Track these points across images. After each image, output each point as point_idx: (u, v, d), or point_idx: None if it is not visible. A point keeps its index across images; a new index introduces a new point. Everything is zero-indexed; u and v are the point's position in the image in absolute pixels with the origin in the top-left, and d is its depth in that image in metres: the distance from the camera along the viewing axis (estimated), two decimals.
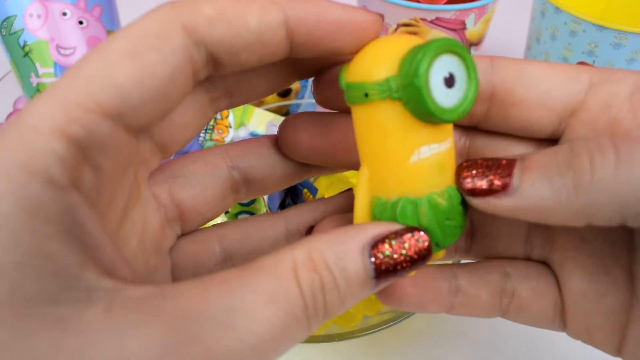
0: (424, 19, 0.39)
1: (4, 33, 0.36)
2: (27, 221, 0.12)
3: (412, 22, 0.40)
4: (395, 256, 0.15)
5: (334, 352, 0.32)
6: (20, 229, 0.12)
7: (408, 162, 0.15)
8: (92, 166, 0.14)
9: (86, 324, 0.12)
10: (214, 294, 0.13)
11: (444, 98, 0.14)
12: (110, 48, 0.14)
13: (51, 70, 0.36)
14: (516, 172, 0.15)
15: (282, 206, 0.36)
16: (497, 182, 0.15)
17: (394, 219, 0.15)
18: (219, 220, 0.33)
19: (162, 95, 0.14)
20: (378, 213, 0.16)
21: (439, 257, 0.17)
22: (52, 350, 0.11)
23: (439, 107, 0.14)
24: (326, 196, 0.33)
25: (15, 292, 0.12)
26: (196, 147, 0.41)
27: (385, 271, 0.14)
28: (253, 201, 0.36)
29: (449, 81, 0.15)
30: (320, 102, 0.19)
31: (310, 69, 0.19)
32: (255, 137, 0.20)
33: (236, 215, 0.36)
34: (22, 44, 0.36)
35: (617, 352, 0.17)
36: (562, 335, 0.19)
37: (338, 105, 0.19)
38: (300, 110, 0.45)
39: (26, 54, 0.36)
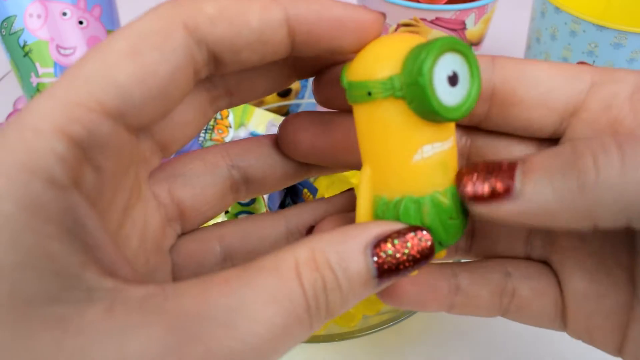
0: (424, 19, 0.39)
1: (4, 33, 0.36)
2: (28, 221, 0.12)
3: (412, 22, 0.40)
4: (398, 255, 0.15)
5: (334, 352, 0.32)
6: (21, 229, 0.12)
7: (411, 161, 0.15)
8: (93, 166, 0.14)
9: (87, 324, 0.12)
10: (215, 293, 0.13)
11: (448, 96, 0.14)
12: (110, 47, 0.14)
13: (51, 70, 0.36)
14: (518, 175, 0.15)
15: (282, 206, 0.36)
16: (499, 188, 0.15)
17: (397, 218, 0.15)
18: (219, 219, 0.33)
19: (163, 94, 0.14)
20: (381, 212, 0.16)
21: (440, 256, 0.17)
22: (53, 350, 0.11)
23: (443, 106, 0.14)
24: (326, 196, 0.33)
25: (16, 292, 0.11)
26: (196, 147, 0.41)
27: (387, 271, 0.14)
28: (253, 201, 0.36)
29: (453, 79, 0.15)
30: (320, 101, 0.19)
31: (311, 69, 0.19)
32: (255, 137, 0.20)
33: (236, 215, 0.36)
34: (22, 44, 0.36)
35: (618, 352, 0.17)
36: (562, 336, 0.19)
37: (338, 104, 0.19)
38: (300, 110, 0.45)
39: (26, 54, 0.36)
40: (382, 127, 0.15)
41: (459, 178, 0.16)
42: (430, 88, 0.14)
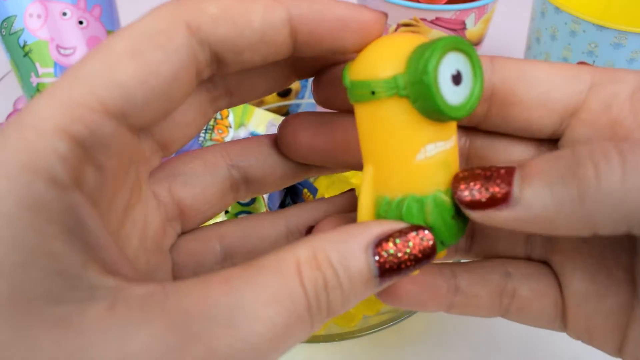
0: (424, 19, 0.39)
1: (4, 33, 0.36)
2: (30, 220, 0.12)
3: (412, 22, 0.40)
4: (400, 255, 0.14)
5: (334, 352, 0.32)
6: (23, 228, 0.12)
7: (414, 160, 0.15)
8: (94, 166, 0.14)
9: (89, 323, 0.12)
10: (216, 292, 0.13)
11: (452, 95, 0.14)
12: (112, 47, 0.14)
13: (51, 70, 0.36)
14: (516, 180, 0.14)
15: (282, 206, 0.36)
16: (497, 194, 0.15)
17: (399, 218, 0.15)
18: (219, 219, 0.33)
19: (165, 95, 0.14)
20: (383, 212, 0.16)
21: (441, 256, 0.17)
22: (54, 349, 0.11)
23: (447, 104, 0.14)
24: (326, 196, 0.33)
25: (17, 292, 0.11)
26: (196, 147, 0.41)
27: (389, 270, 0.14)
28: (253, 201, 0.36)
29: (457, 78, 0.15)
30: (320, 101, 0.19)
31: (311, 69, 0.19)
32: (255, 136, 0.20)
33: (236, 215, 0.36)
34: (22, 44, 0.36)
35: (618, 352, 0.17)
36: (562, 336, 0.19)
37: (338, 105, 0.19)
38: (300, 110, 0.45)
39: (26, 54, 0.36)
40: (385, 126, 0.15)
41: (456, 182, 0.16)
42: (436, 86, 0.14)
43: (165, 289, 0.13)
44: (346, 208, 0.20)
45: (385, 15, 0.16)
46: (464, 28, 0.40)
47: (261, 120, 0.42)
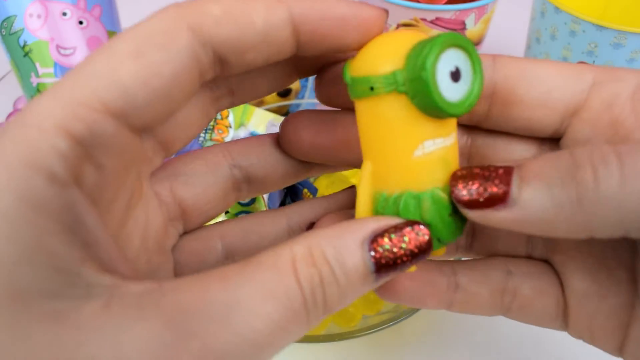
0: (424, 19, 0.39)
1: (4, 33, 0.36)
2: (28, 216, 0.12)
3: (412, 22, 0.40)
4: (395, 250, 0.14)
5: (334, 352, 0.32)
6: (21, 223, 0.12)
7: (412, 157, 0.15)
8: (94, 164, 0.14)
9: (84, 319, 0.12)
10: (213, 289, 0.13)
11: (451, 92, 0.14)
12: (115, 48, 0.14)
13: (51, 70, 0.36)
14: (515, 180, 0.14)
15: (282, 205, 0.36)
16: (495, 194, 0.14)
17: (397, 214, 0.15)
18: (220, 219, 0.33)
19: (167, 96, 0.14)
20: (381, 208, 0.16)
21: (439, 254, 0.17)
22: (50, 344, 0.11)
23: (445, 101, 0.14)
24: None
25: (13, 286, 0.12)
26: (196, 147, 0.41)
27: (385, 265, 0.14)
28: (253, 201, 0.36)
29: (455, 75, 0.15)
30: (322, 99, 0.19)
31: (312, 67, 0.19)
32: (256, 136, 0.20)
33: (236, 215, 0.36)
34: (22, 44, 0.36)
35: (619, 351, 0.17)
36: (562, 336, 0.19)
37: (340, 102, 0.19)
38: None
39: (26, 54, 0.36)
40: (384, 121, 0.15)
41: (453, 180, 0.15)
42: (433, 83, 0.14)
43: (161, 287, 0.13)
44: (347, 205, 0.20)
45: (386, 12, 0.16)
46: (464, 28, 0.40)
47: (261, 120, 0.42)
